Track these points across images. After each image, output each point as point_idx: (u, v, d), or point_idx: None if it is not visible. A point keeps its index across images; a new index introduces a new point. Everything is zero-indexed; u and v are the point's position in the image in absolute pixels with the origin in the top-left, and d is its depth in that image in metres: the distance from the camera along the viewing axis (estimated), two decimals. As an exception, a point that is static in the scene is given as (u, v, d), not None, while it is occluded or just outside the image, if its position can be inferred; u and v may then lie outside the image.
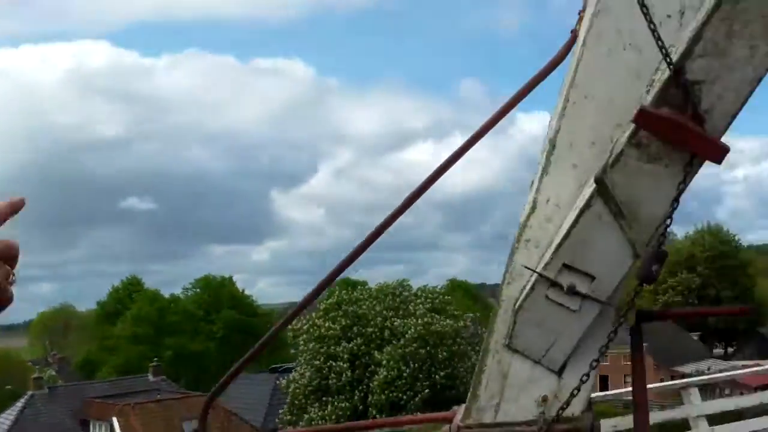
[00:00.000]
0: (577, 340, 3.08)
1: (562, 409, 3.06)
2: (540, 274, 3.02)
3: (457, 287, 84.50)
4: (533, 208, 3.20)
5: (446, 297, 44.32)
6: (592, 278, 3.01)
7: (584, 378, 3.06)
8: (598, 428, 3.16)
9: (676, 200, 2.88)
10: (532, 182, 3.27)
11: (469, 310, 48.68)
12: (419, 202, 3.62)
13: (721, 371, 48.25)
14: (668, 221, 2.92)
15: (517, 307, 3.09)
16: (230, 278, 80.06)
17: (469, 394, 3.20)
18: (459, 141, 3.80)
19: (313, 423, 35.65)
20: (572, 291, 2.99)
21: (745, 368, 22.77)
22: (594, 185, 2.94)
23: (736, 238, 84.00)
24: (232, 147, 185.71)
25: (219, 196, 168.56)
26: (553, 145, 3.18)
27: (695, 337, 73.66)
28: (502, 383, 3.14)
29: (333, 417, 35.49)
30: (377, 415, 35.46)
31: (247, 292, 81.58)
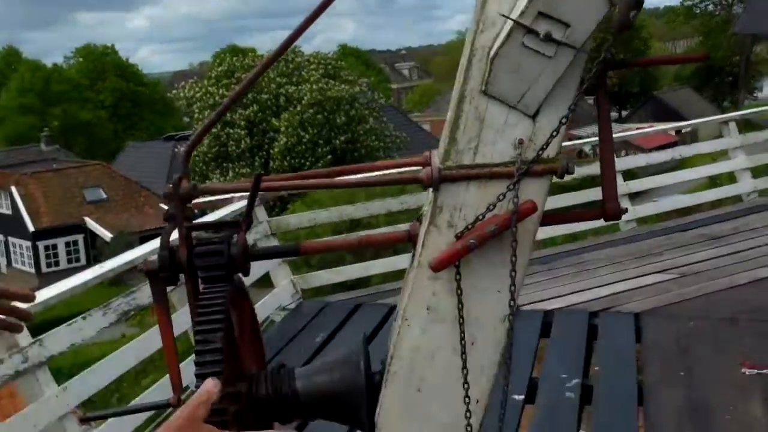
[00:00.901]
0: (551, 86, 3.21)
1: (542, 149, 3.23)
2: (516, 22, 3.10)
3: (348, 54, 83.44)
4: None
5: (339, 62, 43.74)
6: (567, 26, 3.11)
7: (563, 120, 3.22)
8: (573, 168, 3.33)
9: None
10: None
11: (363, 76, 48.48)
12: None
13: (617, 134, 50.94)
14: None
15: (492, 54, 3.17)
16: (113, 47, 76.12)
17: (445, 139, 3.32)
18: None
19: (216, 188, 36.03)
20: (548, 38, 3.09)
21: (639, 130, 24.35)
22: None
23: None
24: None
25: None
26: None
27: (590, 101, 74.57)
28: (479, 127, 3.26)
29: (235, 181, 35.81)
30: (280, 180, 36.03)
31: (131, 61, 78.71)
